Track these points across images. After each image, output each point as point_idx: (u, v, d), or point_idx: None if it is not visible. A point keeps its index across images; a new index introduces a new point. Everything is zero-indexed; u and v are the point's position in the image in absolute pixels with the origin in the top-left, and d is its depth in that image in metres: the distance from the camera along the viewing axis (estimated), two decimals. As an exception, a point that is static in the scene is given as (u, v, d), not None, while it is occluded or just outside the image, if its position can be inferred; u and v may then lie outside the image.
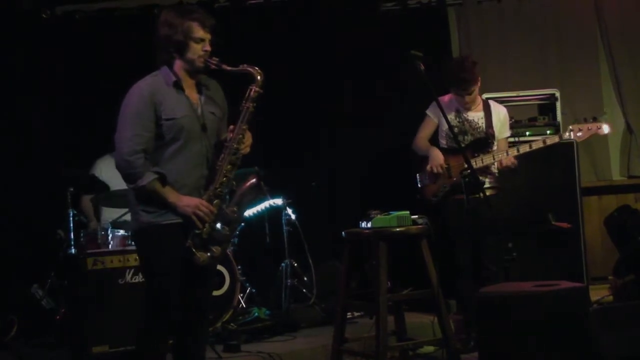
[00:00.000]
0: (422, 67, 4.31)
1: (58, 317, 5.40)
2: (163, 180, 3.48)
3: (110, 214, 5.59)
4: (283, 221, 6.10)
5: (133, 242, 4.47)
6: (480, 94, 5.39)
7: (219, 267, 5.57)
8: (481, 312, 3.92)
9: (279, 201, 6.14)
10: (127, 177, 3.51)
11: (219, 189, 3.57)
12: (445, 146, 5.30)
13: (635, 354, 4.03)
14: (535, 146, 5.14)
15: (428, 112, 5.34)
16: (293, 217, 6.09)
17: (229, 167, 3.60)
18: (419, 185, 5.32)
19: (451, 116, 5.21)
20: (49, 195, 5.96)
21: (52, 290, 5.68)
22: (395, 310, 4.71)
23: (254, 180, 3.70)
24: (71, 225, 5.54)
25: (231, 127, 3.65)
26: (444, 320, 4.49)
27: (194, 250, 3.49)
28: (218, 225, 3.56)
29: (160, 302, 3.53)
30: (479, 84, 5.22)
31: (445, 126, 5.09)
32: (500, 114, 5.33)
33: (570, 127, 5.23)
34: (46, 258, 5.80)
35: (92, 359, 4.73)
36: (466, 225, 4.80)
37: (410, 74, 4.43)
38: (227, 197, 3.63)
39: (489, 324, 3.83)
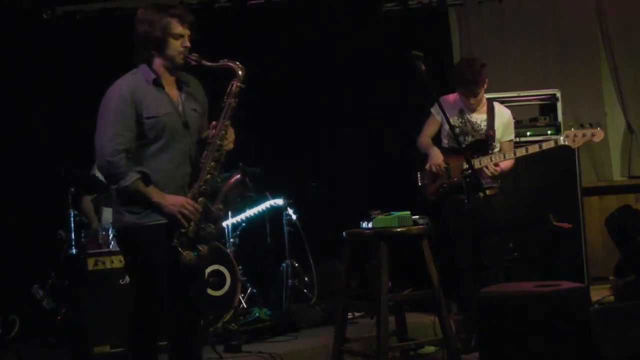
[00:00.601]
0: (423, 67, 4.32)
1: (59, 317, 5.41)
2: (146, 179, 3.42)
3: (111, 214, 5.57)
4: (284, 221, 6.11)
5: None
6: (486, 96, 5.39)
7: (220, 268, 5.58)
8: (482, 312, 3.92)
9: (279, 201, 6.14)
10: (109, 178, 3.45)
11: (203, 187, 3.51)
12: (447, 146, 5.30)
13: (636, 354, 4.03)
14: (531, 150, 5.14)
15: (432, 110, 5.34)
16: (294, 217, 6.09)
17: (212, 164, 3.54)
18: (419, 184, 5.32)
19: (454, 116, 5.21)
20: (49, 195, 5.96)
21: (52, 291, 5.68)
22: (396, 310, 4.71)
23: (238, 176, 3.64)
24: (72, 225, 5.55)
25: (214, 123, 3.59)
26: (445, 321, 4.49)
27: (180, 249, 3.43)
28: (204, 224, 3.50)
29: (149, 303, 3.48)
30: (485, 86, 5.21)
31: (447, 125, 5.09)
32: (504, 116, 5.32)
33: (566, 132, 5.23)
34: (47, 258, 5.80)
35: (92, 359, 4.73)
36: (466, 225, 4.79)
37: (411, 74, 4.43)
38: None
39: (489, 324, 3.83)
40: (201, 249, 3.50)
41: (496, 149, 5.19)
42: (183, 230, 3.45)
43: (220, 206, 3.57)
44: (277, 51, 6.73)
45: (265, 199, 6.19)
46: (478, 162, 5.05)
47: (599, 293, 5.84)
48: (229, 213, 5.89)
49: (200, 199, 3.50)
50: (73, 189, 5.53)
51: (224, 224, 6.02)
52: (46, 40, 6.46)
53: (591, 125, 5.21)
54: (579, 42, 7.02)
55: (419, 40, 6.60)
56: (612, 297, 5.71)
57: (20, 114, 6.33)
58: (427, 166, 5.20)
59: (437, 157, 5.19)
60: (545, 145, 5.15)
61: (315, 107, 6.68)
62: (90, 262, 4.82)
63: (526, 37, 7.03)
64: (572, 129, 5.21)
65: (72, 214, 5.57)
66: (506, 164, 5.17)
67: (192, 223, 3.46)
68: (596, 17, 7.04)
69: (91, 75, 6.34)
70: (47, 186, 6.05)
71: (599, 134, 5.16)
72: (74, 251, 5.45)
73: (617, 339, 4.03)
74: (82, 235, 5.41)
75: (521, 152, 5.15)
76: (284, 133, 6.65)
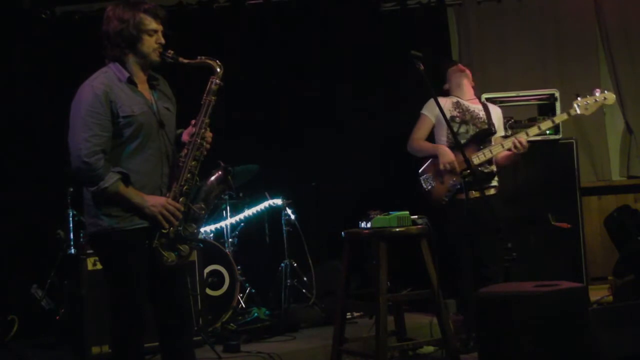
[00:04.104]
0: (422, 67, 4.32)
1: (58, 317, 5.41)
2: (126, 180, 3.32)
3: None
4: (283, 221, 6.10)
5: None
6: (481, 94, 5.40)
7: (219, 268, 5.58)
8: (481, 312, 3.92)
9: (278, 201, 6.14)
10: (88, 180, 3.30)
11: (184, 186, 3.44)
12: (446, 144, 5.26)
13: (635, 354, 4.03)
14: (544, 127, 5.11)
15: (424, 111, 5.31)
16: (293, 217, 6.09)
17: (193, 163, 3.45)
18: (425, 189, 5.19)
19: (450, 108, 5.19)
20: (49, 195, 5.96)
21: (51, 291, 5.68)
22: (395, 310, 4.71)
23: (220, 174, 3.56)
24: (71, 225, 5.55)
25: (193, 121, 3.52)
26: (444, 320, 4.49)
27: (161, 250, 3.36)
28: (185, 224, 3.43)
29: (133, 310, 3.38)
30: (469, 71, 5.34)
31: (444, 123, 5.08)
32: (496, 111, 5.36)
33: (575, 102, 5.15)
34: (46, 258, 5.79)
35: (91, 359, 4.73)
36: (466, 225, 4.79)
37: (411, 74, 4.44)
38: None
39: (488, 324, 3.83)
40: (182, 249, 3.42)
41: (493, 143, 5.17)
42: (164, 231, 3.37)
43: (202, 205, 3.49)
44: (276, 51, 6.73)
45: (264, 199, 6.19)
46: (489, 152, 5.02)
47: (598, 293, 5.85)
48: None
49: (181, 199, 3.43)
50: (72, 189, 5.53)
51: (223, 224, 6.04)
52: (46, 40, 6.46)
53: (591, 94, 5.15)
54: (578, 42, 7.02)
55: (418, 40, 6.63)
56: (610, 297, 5.72)
57: (20, 113, 6.32)
58: (441, 166, 5.09)
59: (448, 155, 5.08)
60: (558, 119, 5.15)
61: (314, 106, 6.68)
62: (89, 262, 4.81)
63: (525, 37, 7.03)
64: (579, 98, 5.14)
65: (71, 214, 5.57)
66: (518, 143, 5.11)
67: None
68: (595, 17, 7.04)
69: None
70: (46, 186, 6.05)
71: (610, 97, 5.11)
72: (73, 251, 5.45)
73: (616, 339, 4.04)
74: (81, 235, 5.41)
75: (534, 131, 5.09)
76: (283, 133, 6.65)
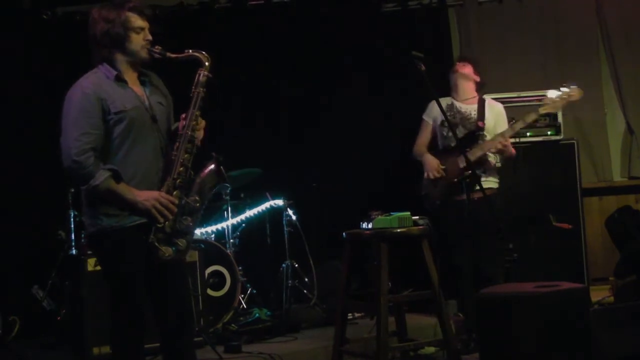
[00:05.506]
0: (423, 68, 4.32)
1: (59, 317, 5.42)
2: (117, 177, 3.29)
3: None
4: (284, 222, 6.10)
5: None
6: (481, 94, 5.39)
7: (220, 268, 5.58)
8: (482, 313, 3.92)
9: (279, 202, 6.14)
10: (79, 179, 3.29)
11: (177, 180, 3.40)
12: (440, 147, 5.31)
13: (636, 354, 4.03)
14: (528, 119, 5.07)
15: (423, 115, 5.41)
16: (294, 217, 6.09)
17: (186, 155, 3.42)
18: (423, 193, 5.30)
19: (445, 110, 5.19)
20: (50, 195, 5.96)
21: (53, 291, 5.68)
22: (396, 311, 4.71)
23: (212, 166, 3.53)
24: (72, 226, 5.55)
25: (183, 115, 3.50)
26: (445, 321, 4.49)
27: (157, 245, 3.32)
28: (180, 217, 3.39)
29: (133, 310, 3.37)
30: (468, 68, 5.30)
31: (439, 125, 5.14)
32: (494, 108, 5.34)
33: (544, 100, 5.11)
34: (47, 259, 5.80)
35: (92, 359, 4.73)
36: (466, 226, 4.79)
37: (411, 74, 4.44)
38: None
39: (489, 324, 3.83)
40: (179, 243, 3.39)
41: (487, 138, 5.16)
42: (159, 226, 3.34)
43: (197, 198, 3.46)
44: (277, 51, 6.73)
45: (265, 199, 6.20)
46: (471, 155, 5.02)
47: (599, 294, 5.84)
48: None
49: (175, 192, 3.40)
50: (73, 190, 5.53)
51: (225, 224, 6.04)
52: (46, 41, 6.46)
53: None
54: (579, 43, 7.02)
55: (419, 41, 6.63)
56: (612, 298, 5.72)
57: (21, 114, 6.32)
58: (425, 175, 5.21)
59: (431, 163, 5.20)
60: (528, 119, 5.05)
61: (315, 107, 6.68)
62: (90, 263, 4.81)
63: (526, 37, 7.03)
64: (548, 95, 5.12)
65: (72, 215, 5.58)
66: (498, 145, 5.10)
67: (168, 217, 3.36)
68: (596, 17, 7.04)
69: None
70: (47, 187, 6.05)
71: (576, 93, 5.07)
72: (74, 252, 5.45)
73: (617, 340, 4.04)
74: (82, 235, 5.41)
75: (515, 127, 5.07)
76: (283, 133, 6.65)
